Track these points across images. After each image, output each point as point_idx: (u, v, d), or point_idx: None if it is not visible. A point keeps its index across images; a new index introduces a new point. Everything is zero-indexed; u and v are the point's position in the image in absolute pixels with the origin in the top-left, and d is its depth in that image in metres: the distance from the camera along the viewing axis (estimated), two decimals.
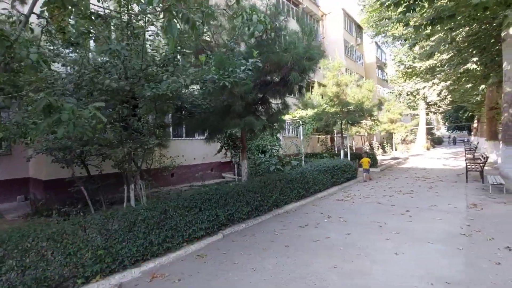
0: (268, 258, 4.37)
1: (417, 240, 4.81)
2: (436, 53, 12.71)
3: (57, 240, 3.22)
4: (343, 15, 25.65)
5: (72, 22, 4.46)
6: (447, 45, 11.66)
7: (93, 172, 6.48)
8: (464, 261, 3.94)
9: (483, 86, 12.05)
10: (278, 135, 12.94)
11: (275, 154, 10.40)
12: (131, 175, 4.55)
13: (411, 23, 7.01)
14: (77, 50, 4.23)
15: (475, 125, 36.22)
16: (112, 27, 4.25)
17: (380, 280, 3.56)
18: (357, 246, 4.70)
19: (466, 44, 11.24)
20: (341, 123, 12.12)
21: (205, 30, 5.03)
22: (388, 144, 24.20)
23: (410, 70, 16.78)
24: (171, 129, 11.08)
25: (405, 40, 10.84)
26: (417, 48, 17.40)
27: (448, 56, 12.35)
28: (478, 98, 13.85)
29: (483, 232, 4.99)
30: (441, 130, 55.30)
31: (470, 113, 34.10)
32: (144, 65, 3.61)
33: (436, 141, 38.94)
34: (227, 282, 3.71)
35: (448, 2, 5.63)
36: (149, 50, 3.90)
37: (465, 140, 40.40)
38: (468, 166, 10.16)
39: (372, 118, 12.35)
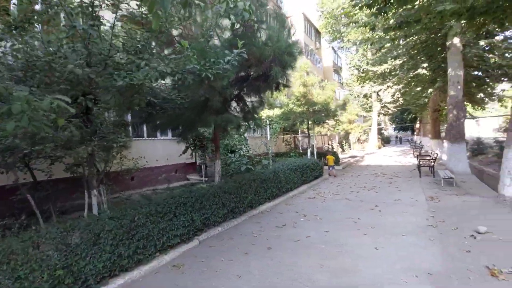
0: (252, 262, 4.13)
1: (392, 234, 4.99)
2: (390, 58, 13.78)
3: (3, 262, 2.57)
4: (303, 19, 26.51)
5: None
6: (400, 51, 12.68)
7: (40, 177, 5.56)
8: (438, 251, 4.15)
9: (430, 90, 13.39)
10: (246, 134, 12.75)
11: (244, 153, 10.18)
12: (93, 179, 3.92)
13: (378, 27, 7.45)
14: (22, 34, 3.50)
15: (417, 125, 40.45)
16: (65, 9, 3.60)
17: (367, 277, 3.56)
18: (338, 243, 4.70)
19: (416, 51, 12.32)
20: (308, 123, 12.41)
21: (177, 19, 4.59)
22: (346, 144, 25.60)
23: (364, 74, 17.98)
24: (130, 128, 10.26)
25: (371, 44, 11.52)
26: (369, 54, 18.68)
27: (401, 61, 13.41)
28: (426, 100, 15.36)
29: (446, 223, 5.38)
30: (388, 131, 60.49)
31: (413, 115, 37.91)
32: (114, 50, 3.08)
33: (385, 141, 42.39)
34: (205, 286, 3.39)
35: (411, 10, 5.99)
36: (120, 34, 3.36)
37: (409, 140, 44.72)
38: (421, 163, 11.10)
39: (335, 118, 12.89)
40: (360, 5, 5.13)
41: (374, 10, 5.20)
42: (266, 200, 7.32)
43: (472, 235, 4.61)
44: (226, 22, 5.08)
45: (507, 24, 6.69)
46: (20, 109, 2.11)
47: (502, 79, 12.32)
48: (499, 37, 11.31)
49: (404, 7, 5.12)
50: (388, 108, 33.07)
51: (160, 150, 12.13)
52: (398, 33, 6.32)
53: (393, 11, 5.24)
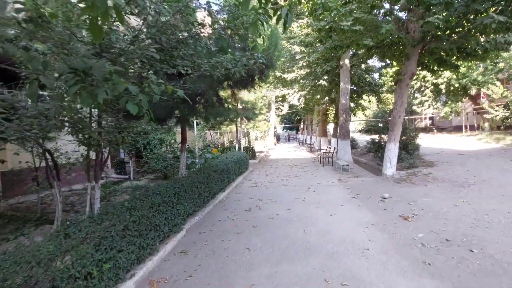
0: (251, 238, 4.78)
1: (334, 205, 6.63)
2: (295, 68, 16.53)
3: None
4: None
5: None
6: (305, 63, 15.52)
7: None
8: (368, 211, 5.99)
9: (326, 97, 16.98)
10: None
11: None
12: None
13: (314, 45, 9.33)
14: None
15: (301, 126, 48.35)
16: None
17: (340, 233, 4.86)
18: (304, 216, 5.92)
19: (318, 66, 15.38)
20: (236, 119, 13.36)
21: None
22: (252, 140, 28.04)
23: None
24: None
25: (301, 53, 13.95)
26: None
27: (305, 72, 16.30)
28: (324, 105, 19.23)
29: (361, 195, 7.54)
30: (278, 130, 69.02)
31: (299, 117, 45.18)
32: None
33: (277, 138, 48.49)
34: (228, 261, 3.87)
35: (346, 39, 7.89)
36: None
37: (295, 138, 52.75)
38: (324, 155, 14.06)
39: (259, 116, 14.41)
40: (317, 28, 6.58)
41: (323, 33, 6.78)
42: (220, 190, 7.83)
43: (382, 199, 6.80)
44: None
45: (385, 58, 9.77)
46: (137, 91, 2.16)
47: (369, 94, 17.16)
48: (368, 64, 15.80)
49: (342, 34, 6.90)
50: (281, 110, 38.28)
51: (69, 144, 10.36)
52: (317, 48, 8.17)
53: (337, 37, 6.98)
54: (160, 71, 3.31)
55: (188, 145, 11.07)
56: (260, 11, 2.44)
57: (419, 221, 5.20)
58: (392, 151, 9.03)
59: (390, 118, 9.79)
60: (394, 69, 12.59)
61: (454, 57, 8.73)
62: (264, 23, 2.61)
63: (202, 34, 3.45)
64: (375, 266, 3.65)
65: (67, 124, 3.30)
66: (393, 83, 13.25)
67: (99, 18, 1.66)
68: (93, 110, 3.64)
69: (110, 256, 2.91)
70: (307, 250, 4.23)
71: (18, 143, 5.42)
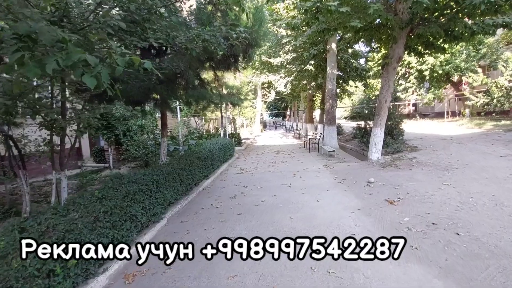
0: (235, 226, 4.59)
1: (320, 190, 6.54)
2: (282, 53, 16.15)
3: None
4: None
5: None
6: (291, 48, 15.13)
7: None
8: (354, 196, 5.93)
9: (313, 83, 16.74)
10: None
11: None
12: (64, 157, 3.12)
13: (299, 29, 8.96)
14: None
15: (288, 112, 48.22)
16: None
17: (326, 218, 4.76)
18: (290, 202, 5.79)
19: (304, 50, 15.04)
20: (221, 105, 12.94)
21: None
22: (239, 127, 27.69)
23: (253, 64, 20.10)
24: None
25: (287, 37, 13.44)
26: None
27: (292, 57, 15.94)
28: (310, 91, 19.00)
29: (347, 180, 7.49)
30: (264, 117, 68.58)
31: (286, 104, 44.97)
32: None
33: (263, 125, 48.23)
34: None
35: (333, 20, 7.58)
36: None
37: (281, 125, 52.64)
38: (310, 141, 13.97)
39: (245, 101, 14.05)
40: (301, 10, 6.24)
41: (308, 15, 6.46)
42: (205, 177, 7.57)
43: (367, 184, 6.76)
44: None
45: (373, 41, 9.57)
46: (97, 62, 1.83)
47: (356, 79, 17.06)
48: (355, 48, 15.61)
49: (329, 16, 6.60)
50: (268, 96, 37.89)
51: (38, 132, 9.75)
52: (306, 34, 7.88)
53: (324, 19, 6.69)
54: (130, 45, 2.94)
55: (170, 131, 10.63)
56: None
57: (405, 205, 5.17)
58: (378, 135, 9.00)
59: (375, 104, 9.71)
60: (380, 54, 12.51)
61: (441, 40, 8.65)
62: None
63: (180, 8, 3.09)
64: None
65: (20, 104, 2.91)
66: (379, 68, 13.19)
67: None
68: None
69: None
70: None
71: None
